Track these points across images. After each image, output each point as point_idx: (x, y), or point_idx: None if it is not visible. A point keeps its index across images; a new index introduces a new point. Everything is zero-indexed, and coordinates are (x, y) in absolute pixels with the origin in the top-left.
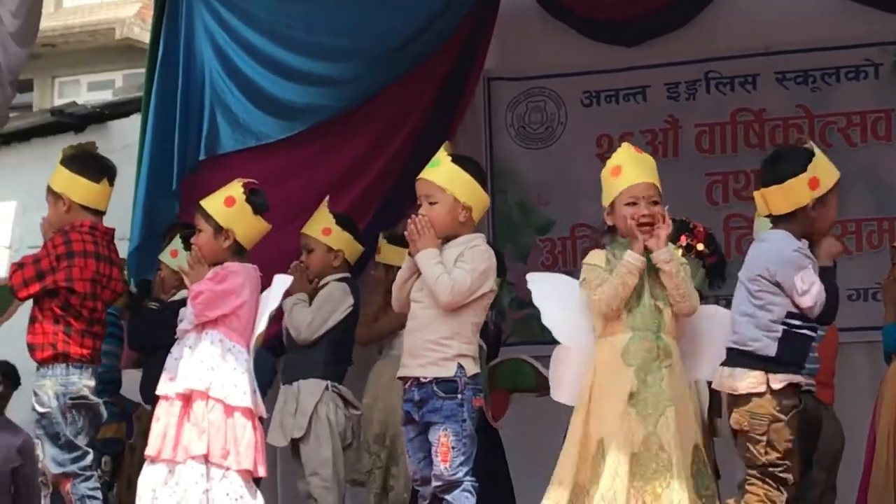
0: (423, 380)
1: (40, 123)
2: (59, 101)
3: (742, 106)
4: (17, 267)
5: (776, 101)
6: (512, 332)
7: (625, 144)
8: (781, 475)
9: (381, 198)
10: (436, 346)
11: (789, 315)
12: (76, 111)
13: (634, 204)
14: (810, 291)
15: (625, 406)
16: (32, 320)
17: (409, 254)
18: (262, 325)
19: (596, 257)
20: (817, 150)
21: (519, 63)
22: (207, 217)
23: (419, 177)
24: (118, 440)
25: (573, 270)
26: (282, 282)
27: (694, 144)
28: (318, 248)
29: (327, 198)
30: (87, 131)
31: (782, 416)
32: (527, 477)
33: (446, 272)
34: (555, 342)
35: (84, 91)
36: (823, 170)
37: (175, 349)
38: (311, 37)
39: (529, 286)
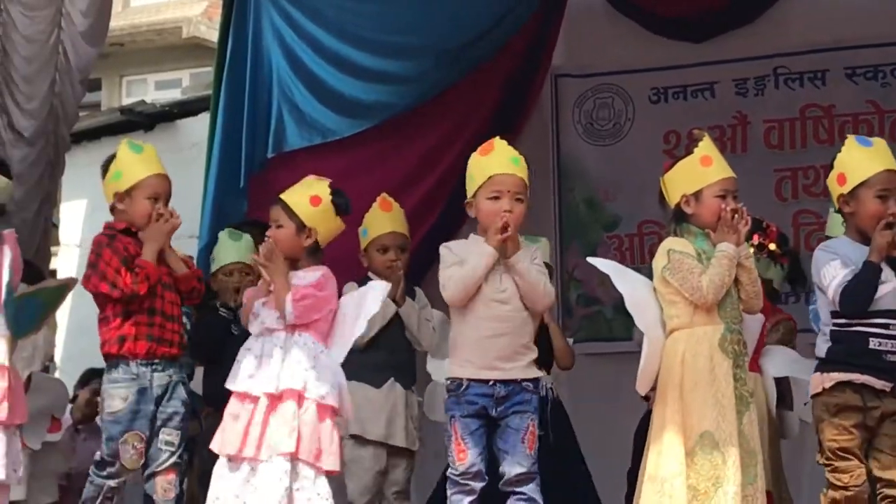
0: (517, 378)
1: (110, 122)
2: (126, 100)
3: (811, 102)
4: None
5: (846, 96)
6: (578, 329)
7: (707, 136)
8: (829, 476)
9: (448, 195)
10: (526, 349)
11: (833, 314)
12: (145, 110)
13: (724, 196)
14: (830, 285)
15: (731, 398)
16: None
17: (491, 245)
18: (360, 328)
19: (681, 244)
20: (847, 145)
21: (586, 60)
22: (291, 214)
23: (504, 171)
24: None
25: (640, 267)
26: (381, 288)
27: (763, 140)
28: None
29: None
30: (156, 130)
31: (825, 416)
32: None
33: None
34: (621, 339)
35: (151, 90)
36: (849, 165)
37: (254, 346)
38: (379, 34)
39: (607, 272)
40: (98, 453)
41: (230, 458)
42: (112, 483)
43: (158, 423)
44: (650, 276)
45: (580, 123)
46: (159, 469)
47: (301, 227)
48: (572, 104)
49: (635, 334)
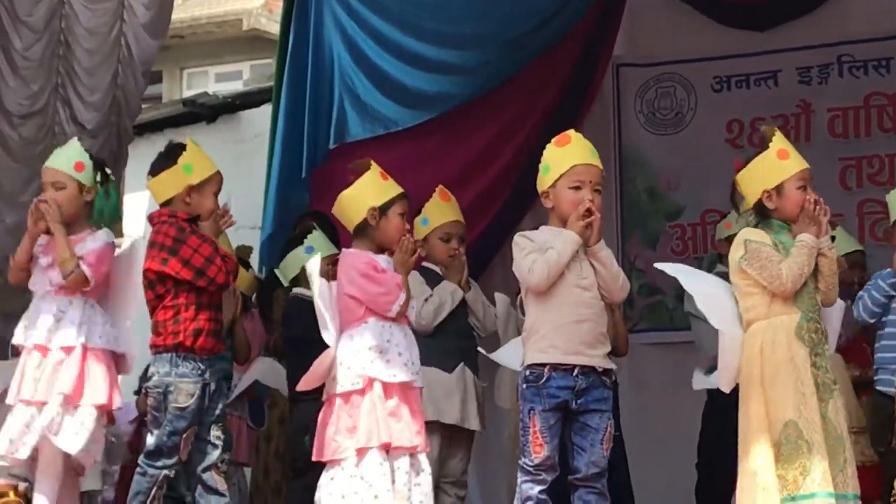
0: (598, 369)
1: (173, 114)
2: (187, 93)
3: (876, 90)
4: None
5: None
6: (640, 319)
7: (777, 130)
8: None
9: (511, 186)
10: (604, 338)
11: None
12: (208, 101)
13: (803, 187)
14: None
15: (811, 386)
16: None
17: (576, 231)
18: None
19: (756, 234)
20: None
21: (648, 49)
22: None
23: (587, 162)
24: None
25: (703, 256)
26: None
27: (827, 129)
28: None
29: None
30: (218, 121)
31: None
32: None
33: None
34: (683, 328)
35: (212, 82)
36: None
37: (376, 335)
38: (440, 25)
39: (676, 275)
40: (151, 444)
41: (360, 452)
42: (167, 472)
43: (211, 418)
44: (711, 264)
45: (642, 113)
46: (211, 464)
47: None
48: (634, 94)
49: (694, 331)
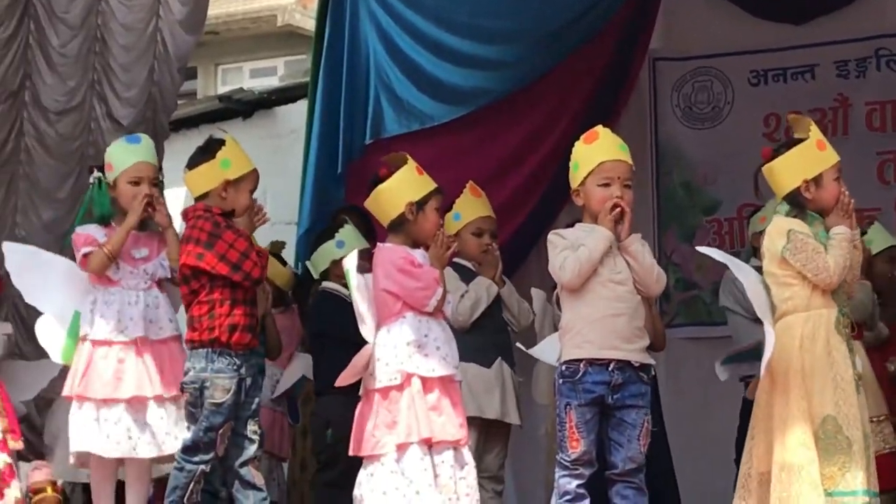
0: (634, 364)
1: (209, 110)
2: (222, 89)
3: None
4: None
5: None
6: (677, 314)
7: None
8: None
9: (546, 181)
10: (642, 332)
11: None
12: (244, 97)
13: (839, 179)
14: None
15: (850, 381)
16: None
17: (612, 232)
18: None
19: (800, 224)
20: None
21: (685, 43)
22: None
23: (615, 158)
24: None
25: (740, 251)
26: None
27: (864, 123)
28: None
29: None
30: (254, 117)
31: None
32: None
33: None
34: (720, 323)
35: (247, 78)
36: None
37: (413, 330)
38: (476, 19)
39: (724, 262)
40: (187, 439)
41: (400, 448)
42: (203, 467)
43: (247, 413)
44: (747, 258)
45: (679, 107)
46: (249, 458)
47: None
48: (671, 88)
49: (731, 325)
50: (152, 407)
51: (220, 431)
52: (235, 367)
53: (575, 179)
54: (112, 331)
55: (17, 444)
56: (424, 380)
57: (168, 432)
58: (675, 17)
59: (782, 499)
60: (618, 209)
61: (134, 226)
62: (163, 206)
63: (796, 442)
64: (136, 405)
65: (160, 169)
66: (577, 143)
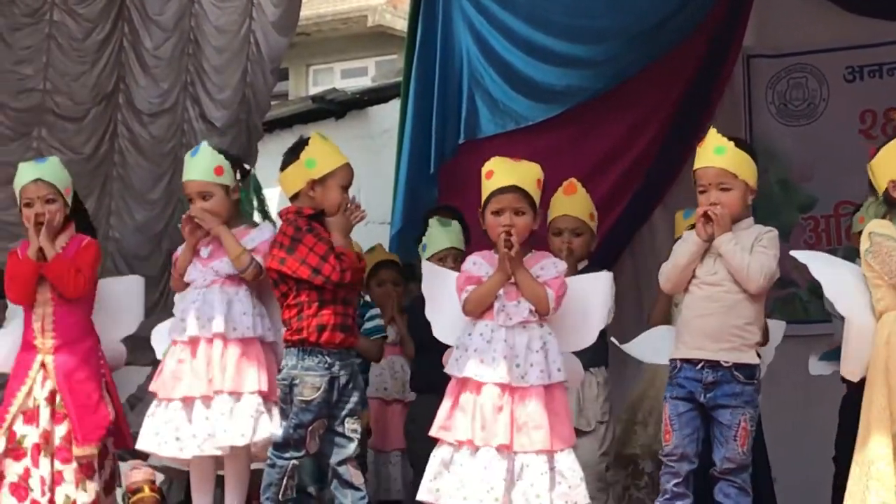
0: (723, 363)
1: (302, 110)
2: (313, 90)
3: None
4: None
5: None
6: (773, 311)
7: None
8: None
9: (641, 179)
10: (740, 331)
11: None
12: (337, 97)
13: None
14: None
15: None
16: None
17: (699, 235)
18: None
19: (883, 226)
20: None
21: (779, 39)
22: (532, 202)
23: (705, 165)
24: None
25: (837, 248)
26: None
27: None
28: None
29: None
30: (347, 117)
31: None
32: None
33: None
34: (817, 321)
35: (337, 79)
36: None
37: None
38: (569, 19)
39: (806, 263)
40: (279, 436)
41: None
42: (295, 462)
43: (344, 411)
44: (846, 256)
45: (773, 104)
46: (347, 457)
47: (534, 216)
48: (765, 85)
49: (834, 328)
50: (198, 407)
51: (310, 429)
52: (326, 366)
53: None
54: (174, 330)
55: (85, 451)
56: (503, 385)
57: (211, 433)
58: (768, 14)
59: (852, 493)
60: (705, 215)
61: (192, 243)
62: (204, 218)
63: (873, 438)
64: (188, 404)
65: (236, 166)
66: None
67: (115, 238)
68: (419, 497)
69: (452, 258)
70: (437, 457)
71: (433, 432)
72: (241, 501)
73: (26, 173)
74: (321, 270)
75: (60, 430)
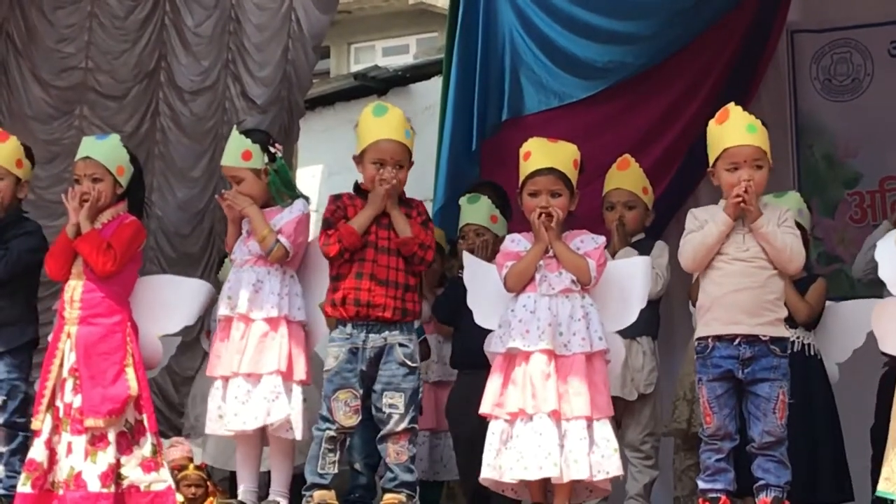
0: (762, 338)
1: (344, 88)
2: (355, 67)
3: None
4: None
5: None
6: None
7: None
8: None
9: (684, 156)
10: (773, 306)
11: None
12: (379, 75)
13: None
14: None
15: None
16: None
17: (729, 215)
18: None
19: None
20: None
21: (823, 14)
22: (569, 183)
23: (738, 143)
24: None
25: (881, 224)
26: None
27: None
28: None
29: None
30: (389, 94)
31: None
32: None
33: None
34: (863, 297)
35: (379, 56)
36: None
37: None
38: None
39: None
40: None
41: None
42: (330, 433)
43: (379, 385)
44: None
45: (818, 79)
46: (389, 433)
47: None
48: (809, 60)
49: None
50: (231, 385)
51: (333, 398)
52: (346, 336)
53: (710, 158)
54: (227, 307)
55: (92, 423)
56: (551, 355)
57: (237, 413)
58: None
59: (890, 479)
60: (738, 199)
61: (234, 219)
62: (235, 199)
63: None
64: (224, 383)
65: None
66: (710, 122)
67: (156, 215)
68: (483, 476)
69: (474, 233)
70: (494, 433)
71: (484, 410)
72: (287, 479)
73: (82, 149)
74: (320, 244)
75: (77, 402)
